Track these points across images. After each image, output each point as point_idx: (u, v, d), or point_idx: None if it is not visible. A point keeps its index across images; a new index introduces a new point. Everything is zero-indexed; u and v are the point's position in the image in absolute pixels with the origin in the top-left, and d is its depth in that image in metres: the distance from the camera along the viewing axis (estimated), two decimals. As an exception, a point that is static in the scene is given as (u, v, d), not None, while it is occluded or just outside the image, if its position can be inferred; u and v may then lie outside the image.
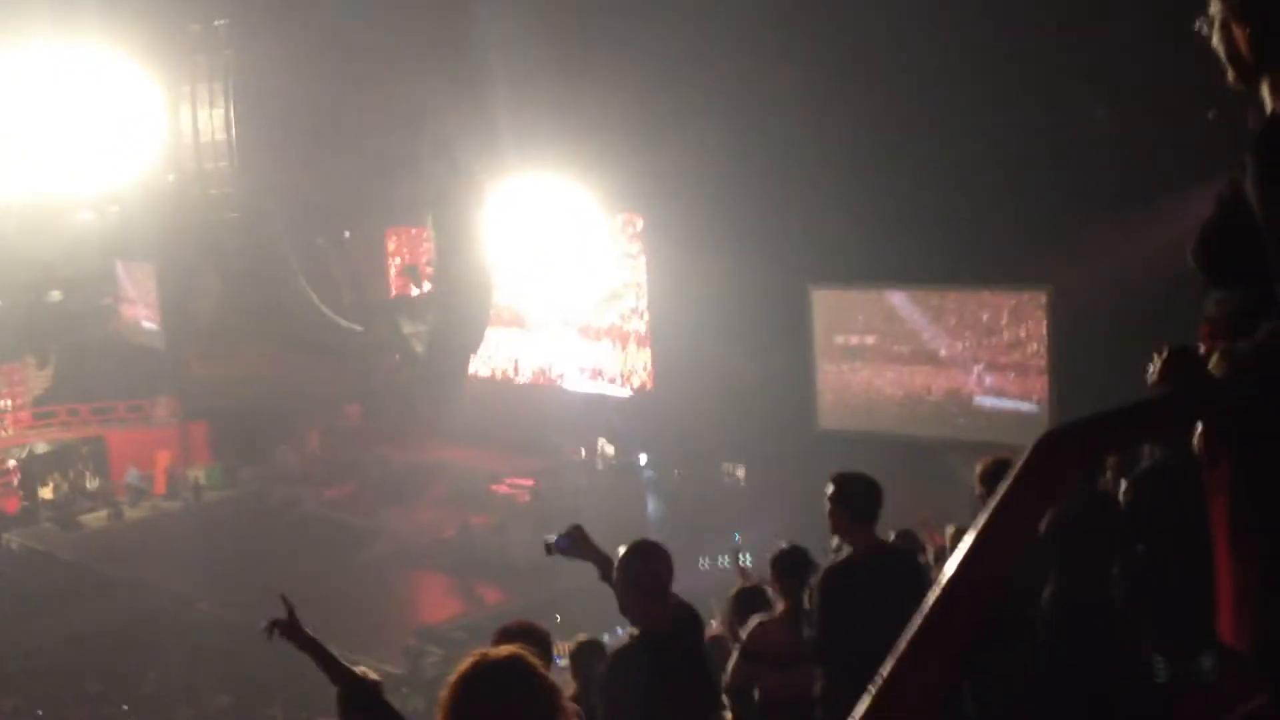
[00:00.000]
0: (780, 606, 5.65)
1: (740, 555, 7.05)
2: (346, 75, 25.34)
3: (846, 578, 4.74)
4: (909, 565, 5.02)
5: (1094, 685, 4.72)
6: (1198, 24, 1.86)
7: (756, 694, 5.40)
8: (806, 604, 5.20)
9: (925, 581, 4.87)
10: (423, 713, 18.52)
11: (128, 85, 26.85)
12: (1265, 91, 1.78)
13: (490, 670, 2.28)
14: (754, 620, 5.63)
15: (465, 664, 2.31)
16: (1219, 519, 1.70)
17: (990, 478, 4.87)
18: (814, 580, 5.07)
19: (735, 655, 5.58)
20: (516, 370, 30.24)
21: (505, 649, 2.35)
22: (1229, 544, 1.67)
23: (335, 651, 4.62)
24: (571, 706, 2.35)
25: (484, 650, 2.34)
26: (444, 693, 2.33)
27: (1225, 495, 1.69)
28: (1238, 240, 1.71)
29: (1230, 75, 1.83)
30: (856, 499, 4.82)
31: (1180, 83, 15.59)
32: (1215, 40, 1.83)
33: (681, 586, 4.29)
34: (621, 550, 4.16)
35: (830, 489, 4.86)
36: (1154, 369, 3.95)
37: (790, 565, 5.63)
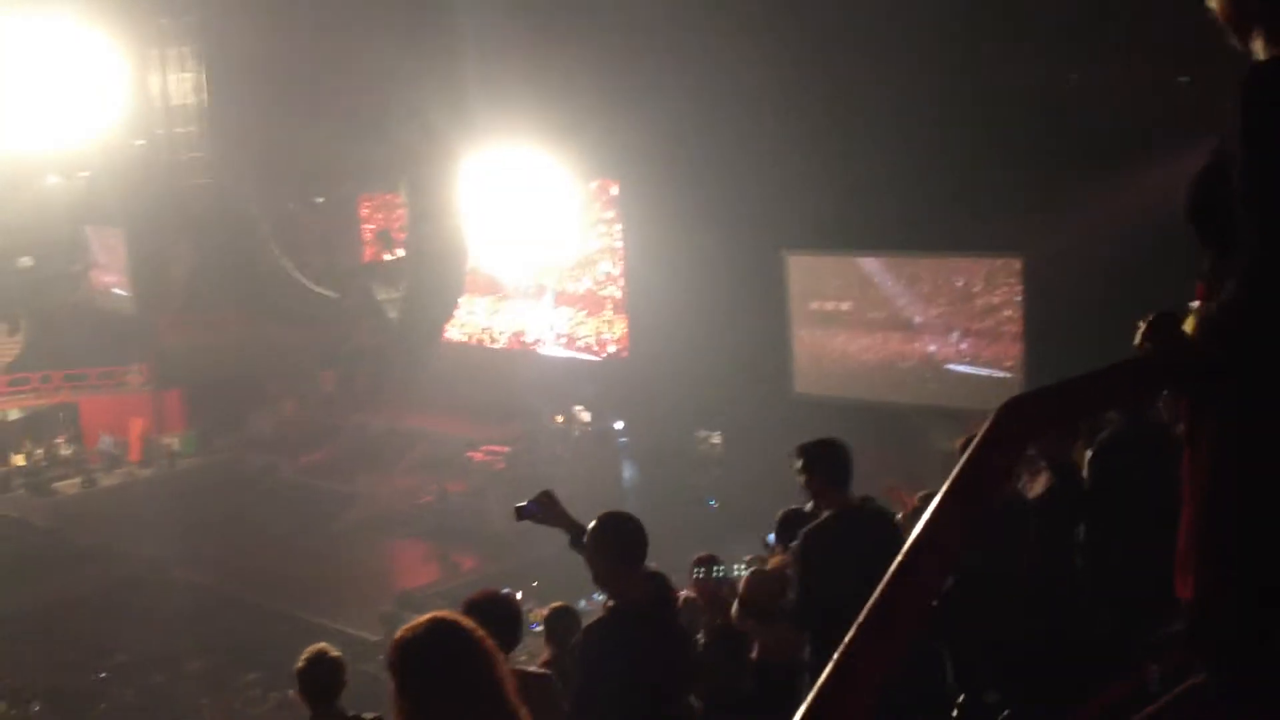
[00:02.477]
0: (774, 561, 5.75)
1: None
2: (317, 39, 25.10)
3: (824, 540, 4.78)
4: (886, 524, 5.04)
5: (1064, 650, 4.79)
6: None
7: (754, 651, 5.45)
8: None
9: (901, 539, 4.89)
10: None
11: (95, 49, 26.53)
12: (1259, 44, 1.78)
13: (421, 637, 2.55)
14: (753, 567, 5.75)
15: (396, 636, 2.60)
16: (1187, 475, 1.72)
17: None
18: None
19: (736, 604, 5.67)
20: (492, 337, 30.22)
21: (429, 614, 2.64)
22: (1189, 500, 1.69)
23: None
24: (506, 665, 2.67)
25: (411, 622, 2.63)
26: (387, 665, 2.61)
27: (1192, 452, 1.71)
28: (1228, 194, 1.71)
29: (1222, 14, 1.82)
30: (827, 463, 4.86)
31: (1155, 48, 15.70)
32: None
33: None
34: (594, 521, 4.18)
35: (799, 461, 4.88)
36: (1139, 334, 3.98)
37: (785, 523, 5.78)
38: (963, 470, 1.49)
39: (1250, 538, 1.63)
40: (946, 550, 1.47)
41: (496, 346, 30.01)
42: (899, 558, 1.46)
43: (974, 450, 1.50)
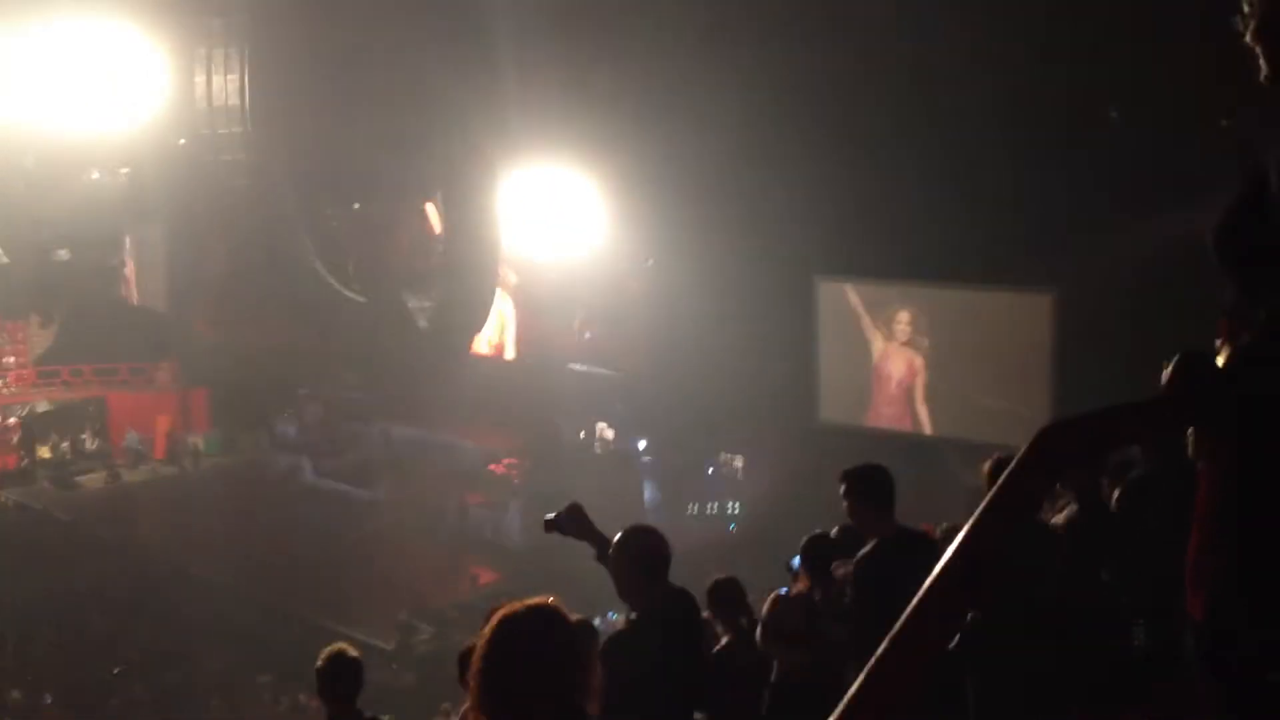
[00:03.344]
0: (800, 587, 5.77)
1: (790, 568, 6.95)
2: (361, 47, 25.32)
3: (879, 567, 4.80)
4: (932, 550, 5.08)
5: (1084, 684, 4.77)
6: (1235, 21, 1.85)
7: (774, 672, 5.46)
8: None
9: None
10: (413, 688, 18.61)
11: (143, 46, 26.79)
12: None
13: (523, 618, 2.47)
14: (775, 592, 5.78)
15: (499, 614, 2.51)
16: (1200, 500, 1.72)
17: (996, 476, 4.92)
18: (834, 568, 5.14)
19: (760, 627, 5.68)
20: (519, 350, 30.31)
21: (535, 599, 2.55)
22: (1202, 523, 1.69)
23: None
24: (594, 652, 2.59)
25: (514, 602, 2.56)
26: (480, 641, 2.53)
27: (1211, 476, 1.70)
28: (1260, 228, 1.70)
29: (1264, 72, 1.82)
30: (871, 489, 4.90)
31: (1193, 89, 15.64)
32: (1249, 38, 1.82)
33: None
34: (619, 534, 4.21)
35: (843, 486, 4.92)
36: (1166, 374, 3.98)
37: (811, 549, 5.81)
38: (999, 492, 1.49)
39: (1260, 557, 1.63)
40: (981, 571, 1.48)
41: (524, 360, 30.08)
42: (930, 579, 1.46)
43: (1012, 472, 1.50)
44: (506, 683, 2.41)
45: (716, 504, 24.47)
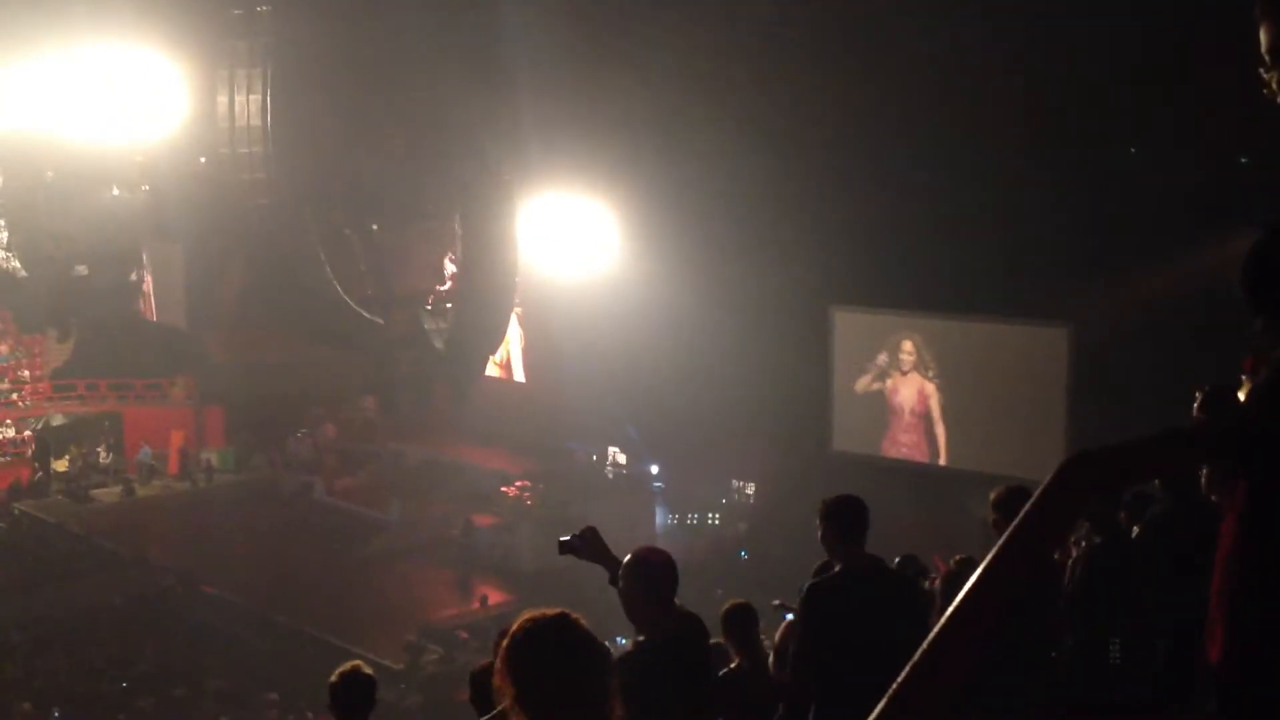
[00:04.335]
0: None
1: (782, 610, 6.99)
2: (382, 70, 25.49)
3: (830, 593, 4.85)
4: (897, 583, 5.09)
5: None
6: (1260, 72, 1.83)
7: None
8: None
9: (915, 599, 4.94)
10: (419, 709, 18.55)
11: (166, 66, 26.99)
12: None
13: (546, 627, 2.43)
14: (788, 619, 5.81)
15: (518, 624, 2.46)
16: (1223, 541, 1.70)
17: (1004, 505, 4.93)
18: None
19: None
20: (526, 372, 30.42)
21: (553, 610, 2.48)
22: (1223, 564, 1.67)
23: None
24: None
25: (533, 612, 2.52)
26: (501, 654, 2.46)
27: (1234, 517, 1.69)
28: None
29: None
30: (843, 518, 4.94)
31: (1213, 129, 15.65)
32: (1275, 86, 1.81)
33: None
34: (628, 556, 4.21)
35: (819, 511, 4.99)
36: (1196, 407, 3.96)
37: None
38: (1021, 525, 1.47)
39: (1263, 606, 1.61)
40: (1000, 605, 1.46)
41: (536, 383, 30.09)
42: (950, 612, 1.45)
43: (1034, 505, 1.49)
44: (546, 673, 2.38)
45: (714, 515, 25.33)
